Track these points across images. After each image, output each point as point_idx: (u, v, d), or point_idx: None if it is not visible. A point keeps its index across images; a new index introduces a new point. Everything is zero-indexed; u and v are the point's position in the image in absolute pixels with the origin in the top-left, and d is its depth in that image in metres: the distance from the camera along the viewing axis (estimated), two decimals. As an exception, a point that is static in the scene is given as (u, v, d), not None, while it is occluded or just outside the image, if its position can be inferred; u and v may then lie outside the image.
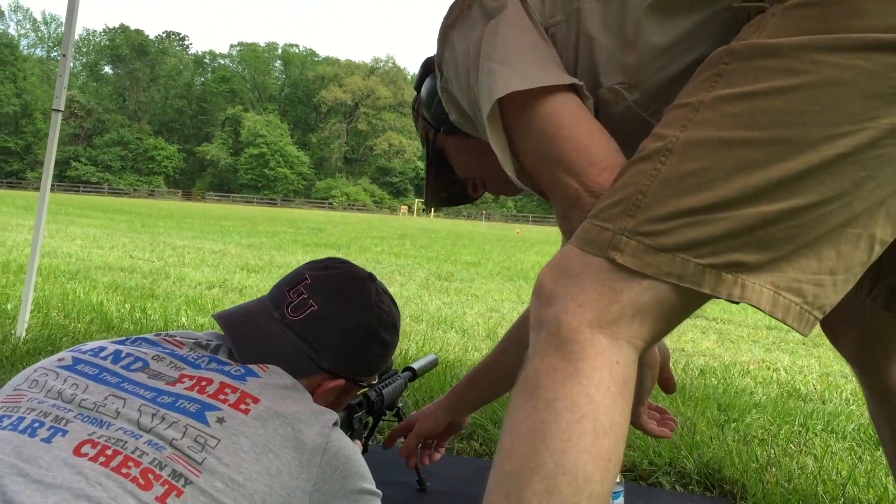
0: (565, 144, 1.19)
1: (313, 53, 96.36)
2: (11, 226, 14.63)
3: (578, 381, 1.00)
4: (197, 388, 1.17)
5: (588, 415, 0.99)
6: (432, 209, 73.08)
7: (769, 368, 4.94)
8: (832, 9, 0.99)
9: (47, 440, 1.02)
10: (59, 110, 4.06)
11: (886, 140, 0.97)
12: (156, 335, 1.34)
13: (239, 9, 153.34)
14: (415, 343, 4.96)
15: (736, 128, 1.01)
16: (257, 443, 1.12)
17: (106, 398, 1.12)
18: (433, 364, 2.33)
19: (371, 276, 1.49)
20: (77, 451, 1.01)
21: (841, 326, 1.70)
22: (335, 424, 1.24)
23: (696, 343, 5.84)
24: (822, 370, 4.97)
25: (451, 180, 1.74)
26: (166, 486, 1.01)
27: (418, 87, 1.67)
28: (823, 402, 4.00)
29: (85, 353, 1.25)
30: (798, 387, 4.35)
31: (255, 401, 1.17)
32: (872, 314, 1.60)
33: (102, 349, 1.25)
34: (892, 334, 1.62)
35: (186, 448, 1.07)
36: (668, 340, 5.93)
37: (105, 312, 5.03)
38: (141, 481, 1.00)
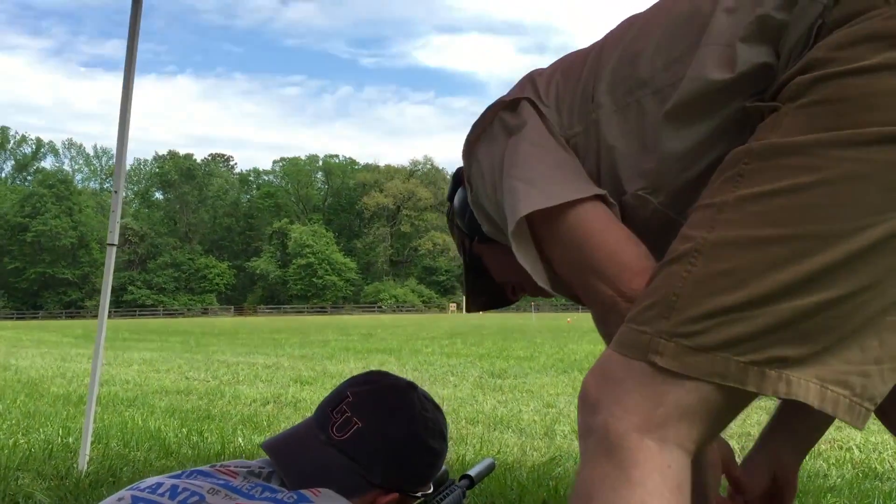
0: (596, 252, 1.21)
1: (353, 162, 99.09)
2: (71, 356, 14.97)
3: (632, 489, 0.99)
4: None
5: None
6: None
7: (841, 448, 4.75)
8: (843, 105, 1.01)
9: None
10: (113, 244, 4.22)
11: None
12: (210, 466, 1.36)
13: (279, 125, 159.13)
14: (472, 447, 4.89)
15: (763, 226, 1.02)
16: None
17: None
18: (491, 468, 2.29)
19: (412, 385, 1.50)
20: None
21: (892, 409, 1.65)
22: None
23: (763, 425, 5.65)
24: (897, 445, 4.76)
25: (491, 284, 1.77)
26: None
27: (451, 198, 1.71)
28: (903, 480, 3.82)
29: (143, 490, 1.28)
30: (874, 465, 4.16)
31: None
32: None
33: (160, 485, 1.28)
34: None
35: None
36: (732, 425, 5.73)
37: (163, 439, 5.08)
38: None
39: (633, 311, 1.11)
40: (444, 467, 1.92)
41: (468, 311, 1.85)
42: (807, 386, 1.00)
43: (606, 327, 1.23)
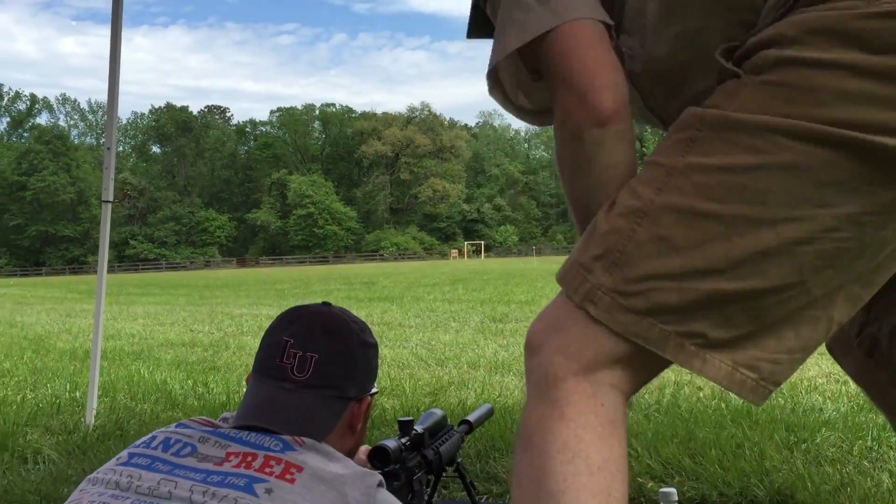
0: (574, 63, 1.21)
1: (350, 110, 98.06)
2: (76, 312, 15.08)
3: (566, 425, 1.07)
4: (244, 464, 1.23)
5: (579, 454, 1.05)
6: (482, 251, 72.04)
7: (837, 381, 4.81)
8: (798, 94, 1.04)
9: None
10: (108, 201, 4.22)
11: (842, 230, 1.03)
12: (191, 420, 1.40)
13: (274, 75, 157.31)
14: (473, 391, 4.96)
15: (704, 199, 1.07)
16: None
17: (159, 482, 1.19)
18: (489, 414, 2.33)
19: (326, 303, 1.54)
20: None
21: (840, 354, 1.70)
22: (379, 485, 1.28)
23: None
24: (893, 378, 4.82)
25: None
26: None
27: None
28: (897, 412, 3.87)
29: (138, 446, 1.32)
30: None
31: (300, 469, 1.22)
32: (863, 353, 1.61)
33: (154, 438, 1.32)
34: (887, 366, 1.60)
35: None
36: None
37: (169, 391, 5.15)
38: None
39: (583, 253, 1.16)
40: (443, 412, 1.96)
41: (468, 37, 1.67)
42: (719, 366, 1.08)
43: (563, 167, 1.27)
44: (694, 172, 1.09)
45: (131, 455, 1.29)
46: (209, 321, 11.58)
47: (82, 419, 4.21)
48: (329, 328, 1.45)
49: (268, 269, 63.18)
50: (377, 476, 1.29)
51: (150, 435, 1.34)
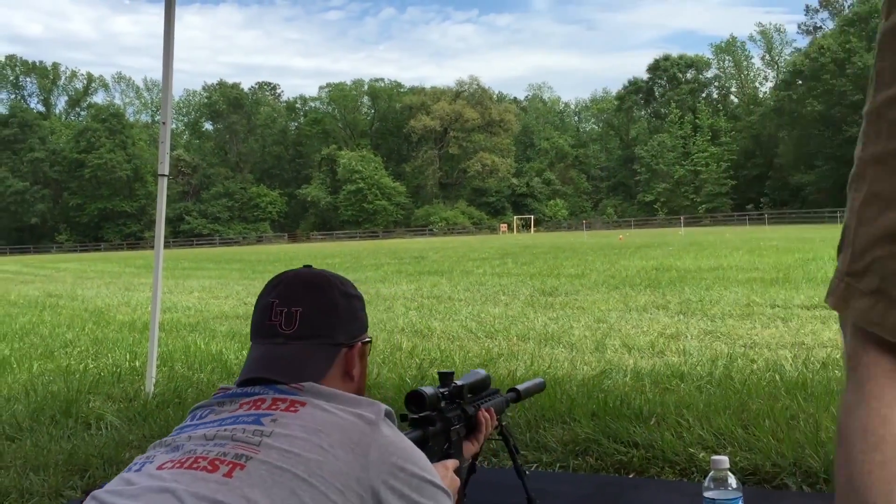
0: None
1: (398, 85, 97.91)
2: (134, 286, 15.46)
3: (866, 406, 0.94)
4: (254, 406, 1.36)
5: (885, 439, 0.91)
6: (531, 226, 71.30)
7: None
8: None
9: (138, 470, 1.29)
10: (164, 175, 4.31)
11: None
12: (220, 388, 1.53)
13: (323, 51, 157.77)
14: (523, 363, 4.97)
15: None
16: (308, 428, 1.29)
17: (180, 436, 1.36)
18: (540, 387, 2.34)
19: (308, 266, 1.64)
20: (160, 468, 1.26)
21: None
22: (387, 415, 1.37)
23: (817, 335, 5.61)
24: (956, 351, 4.69)
25: None
26: (230, 466, 1.22)
27: None
28: (960, 386, 3.78)
29: (175, 428, 1.46)
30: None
31: (303, 404, 1.35)
32: None
33: (188, 417, 1.47)
34: None
35: (245, 438, 1.27)
36: (786, 334, 5.71)
37: (224, 361, 5.26)
38: (209, 468, 1.22)
39: None
40: (487, 373, 1.99)
41: None
42: None
43: None
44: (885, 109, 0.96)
45: (173, 434, 1.42)
46: (262, 294, 11.77)
47: (142, 387, 4.34)
48: (310, 284, 1.55)
49: (319, 244, 63.86)
50: (382, 406, 1.37)
51: (192, 410, 1.48)
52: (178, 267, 23.74)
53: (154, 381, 4.32)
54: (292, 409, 1.33)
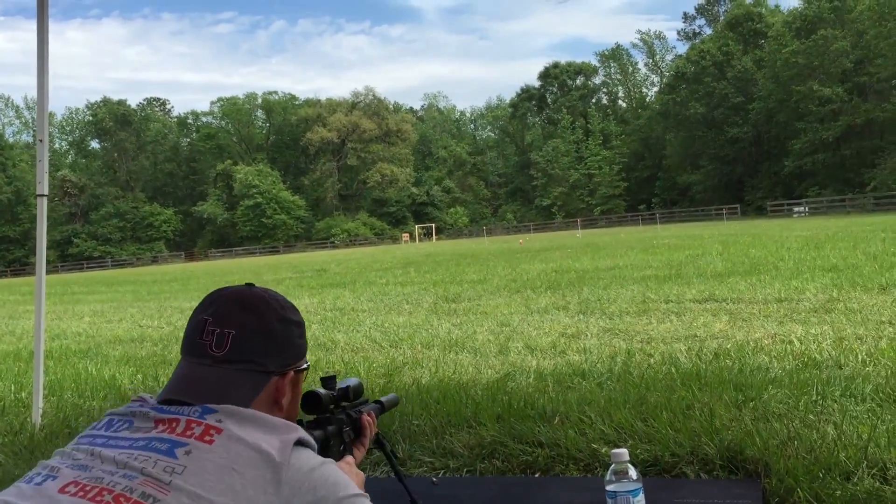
0: None
1: (293, 97, 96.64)
2: (19, 313, 14.68)
3: None
4: (168, 430, 1.30)
5: None
6: (433, 234, 71.70)
7: (783, 341, 4.93)
8: None
9: (39, 483, 1.23)
10: (43, 195, 4.10)
11: None
12: (136, 397, 1.46)
13: (214, 65, 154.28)
14: (428, 370, 4.96)
15: None
16: (221, 465, 1.23)
17: (92, 452, 1.29)
18: (396, 402, 2.34)
19: (250, 284, 1.58)
20: (62, 490, 1.20)
21: None
22: (297, 443, 1.33)
23: (709, 327, 5.83)
24: (835, 335, 4.96)
25: None
26: None
27: None
28: (840, 367, 3.99)
29: (87, 429, 1.40)
30: (813, 356, 4.34)
31: (218, 431, 1.28)
32: None
33: (102, 421, 1.40)
34: None
35: (156, 474, 1.21)
36: (680, 328, 5.90)
37: (118, 386, 5.05)
38: None
39: None
40: (359, 380, 1.99)
41: None
42: None
43: None
44: None
45: (79, 438, 1.37)
46: (158, 316, 11.38)
47: (28, 419, 4.11)
48: (246, 305, 1.48)
49: (218, 261, 62.33)
50: (295, 434, 1.33)
51: (105, 416, 1.42)
52: (68, 292, 22.71)
53: (41, 411, 4.10)
54: (207, 437, 1.27)
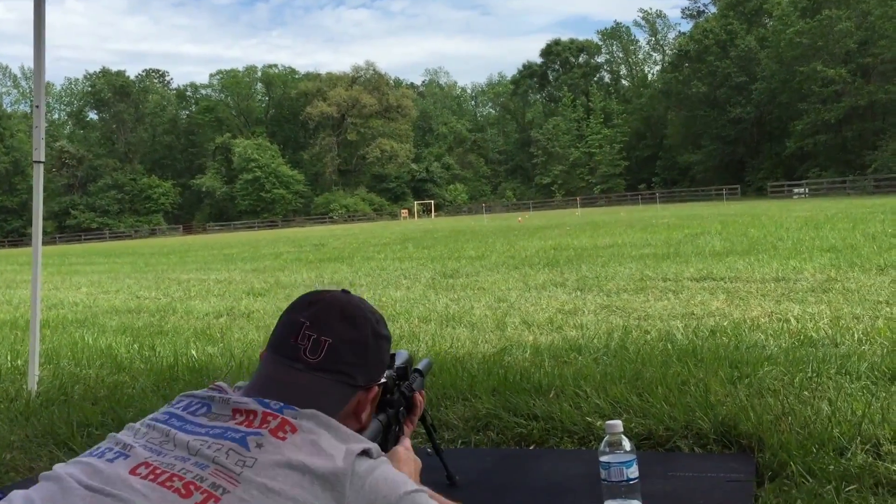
0: None
1: (293, 71, 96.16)
2: (17, 283, 14.68)
3: None
4: (246, 421, 1.31)
5: None
6: (432, 211, 71.78)
7: (780, 320, 4.93)
8: None
9: (111, 460, 1.25)
10: (39, 162, 4.08)
11: None
12: (214, 384, 1.47)
13: (214, 37, 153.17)
14: (424, 343, 4.97)
15: None
16: (292, 462, 1.23)
17: (167, 433, 1.31)
18: (430, 367, 2.34)
19: (346, 291, 1.56)
20: (133, 472, 1.21)
21: None
22: (361, 453, 1.31)
23: (706, 304, 5.83)
24: (832, 314, 4.96)
25: None
26: (205, 495, 1.17)
27: None
28: (836, 346, 3.99)
29: (173, 405, 1.42)
30: (809, 334, 4.34)
31: (294, 430, 1.29)
32: None
33: (181, 401, 1.42)
34: None
35: (227, 465, 1.21)
36: (677, 306, 5.92)
37: (115, 355, 5.05)
38: (182, 491, 1.17)
39: None
40: (408, 354, 1.97)
41: None
42: None
43: None
44: None
45: (155, 416, 1.38)
46: (155, 287, 11.38)
47: (24, 386, 4.11)
48: (346, 315, 1.47)
49: (215, 235, 62.29)
50: (361, 445, 1.32)
51: (184, 396, 1.43)
52: (65, 262, 22.71)
53: (38, 378, 4.10)
54: (280, 433, 1.27)
